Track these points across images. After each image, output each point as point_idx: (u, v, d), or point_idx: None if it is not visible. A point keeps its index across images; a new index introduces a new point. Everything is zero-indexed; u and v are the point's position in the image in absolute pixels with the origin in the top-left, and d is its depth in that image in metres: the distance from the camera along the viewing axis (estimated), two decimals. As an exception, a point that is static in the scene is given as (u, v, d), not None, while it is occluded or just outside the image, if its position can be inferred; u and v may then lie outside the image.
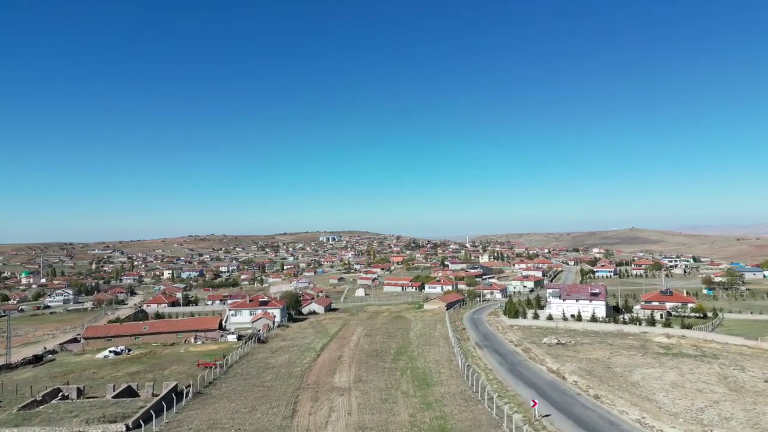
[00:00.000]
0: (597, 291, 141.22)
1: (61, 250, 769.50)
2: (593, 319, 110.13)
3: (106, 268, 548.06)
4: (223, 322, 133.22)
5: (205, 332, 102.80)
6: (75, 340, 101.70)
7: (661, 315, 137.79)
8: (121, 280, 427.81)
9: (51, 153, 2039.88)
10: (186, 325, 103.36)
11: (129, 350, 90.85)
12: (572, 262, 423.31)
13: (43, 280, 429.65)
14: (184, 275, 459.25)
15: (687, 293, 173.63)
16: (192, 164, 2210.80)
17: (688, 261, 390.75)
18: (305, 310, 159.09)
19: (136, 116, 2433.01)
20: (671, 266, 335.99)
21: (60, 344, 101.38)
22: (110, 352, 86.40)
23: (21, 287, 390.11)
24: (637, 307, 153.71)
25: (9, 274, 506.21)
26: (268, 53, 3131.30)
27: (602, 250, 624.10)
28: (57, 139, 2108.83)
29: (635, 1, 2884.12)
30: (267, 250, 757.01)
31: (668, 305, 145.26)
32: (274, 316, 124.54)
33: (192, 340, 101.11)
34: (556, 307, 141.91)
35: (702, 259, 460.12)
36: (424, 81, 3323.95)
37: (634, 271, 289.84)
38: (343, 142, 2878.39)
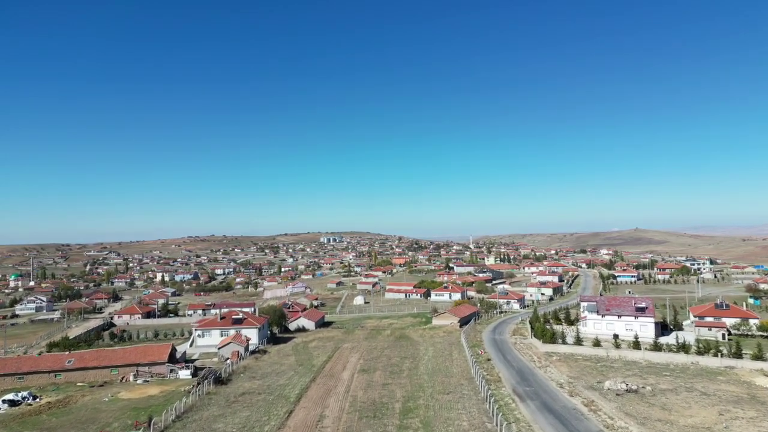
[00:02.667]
0: (643, 305, 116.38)
1: (57, 251, 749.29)
2: (656, 347, 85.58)
3: (100, 270, 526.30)
4: (189, 346, 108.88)
5: (150, 366, 78.51)
6: (-22, 378, 77.85)
7: (723, 335, 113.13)
8: (112, 283, 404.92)
9: (51, 153, 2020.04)
10: (125, 357, 79.12)
11: (36, 397, 66.65)
12: (585, 265, 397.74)
13: (32, 283, 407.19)
14: (178, 278, 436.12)
15: (735, 303, 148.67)
16: (194, 165, 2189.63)
17: (703, 262, 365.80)
18: (293, 325, 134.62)
19: (138, 116, 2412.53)
20: (697, 268, 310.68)
21: (-45, 384, 77.47)
22: (4, 402, 62.37)
23: (7, 291, 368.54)
24: (687, 323, 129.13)
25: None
26: (269, 53, 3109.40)
27: (610, 251, 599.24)
28: (58, 139, 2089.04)
29: (641, 2, 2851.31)
30: (266, 251, 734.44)
31: (727, 322, 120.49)
32: (248, 339, 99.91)
33: (131, 378, 76.77)
34: (593, 324, 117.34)
35: (717, 261, 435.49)
36: (425, 81, 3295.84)
37: (659, 276, 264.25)
38: (345, 142, 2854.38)
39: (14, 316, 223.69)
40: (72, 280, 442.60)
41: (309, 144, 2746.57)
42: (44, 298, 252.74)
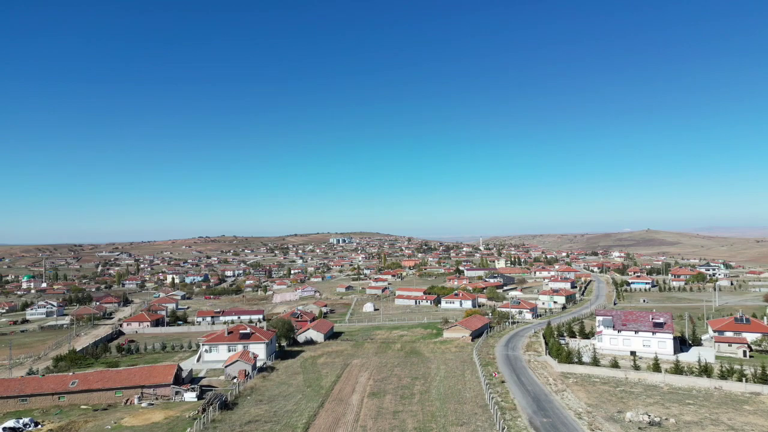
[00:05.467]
0: (661, 321, 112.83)
1: (69, 251, 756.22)
2: (677, 369, 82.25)
3: (111, 271, 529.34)
4: (197, 361, 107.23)
5: (155, 388, 76.71)
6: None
7: (744, 352, 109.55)
8: (123, 285, 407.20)
9: (63, 154, 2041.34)
10: (130, 378, 77.34)
11: (37, 423, 64.99)
12: (597, 269, 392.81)
13: (44, 285, 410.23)
14: (188, 280, 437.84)
15: (754, 316, 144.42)
16: (205, 165, 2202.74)
17: (717, 266, 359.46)
18: (301, 337, 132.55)
19: (149, 119, 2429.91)
20: (712, 274, 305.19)
21: (-43, 407, 76.07)
22: (5, 429, 60.75)
23: (19, 292, 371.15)
24: (706, 338, 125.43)
25: (12, 277, 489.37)
26: (278, 54, 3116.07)
27: (622, 254, 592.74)
28: (70, 140, 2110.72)
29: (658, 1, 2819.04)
30: (276, 252, 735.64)
31: (748, 337, 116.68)
32: (255, 357, 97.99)
33: (135, 400, 74.99)
34: (609, 339, 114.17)
35: (731, 264, 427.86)
36: (436, 82, 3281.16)
37: (674, 283, 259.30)
38: (355, 143, 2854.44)
39: (25, 321, 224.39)
40: (83, 281, 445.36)
41: (319, 144, 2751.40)
42: (54, 303, 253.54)
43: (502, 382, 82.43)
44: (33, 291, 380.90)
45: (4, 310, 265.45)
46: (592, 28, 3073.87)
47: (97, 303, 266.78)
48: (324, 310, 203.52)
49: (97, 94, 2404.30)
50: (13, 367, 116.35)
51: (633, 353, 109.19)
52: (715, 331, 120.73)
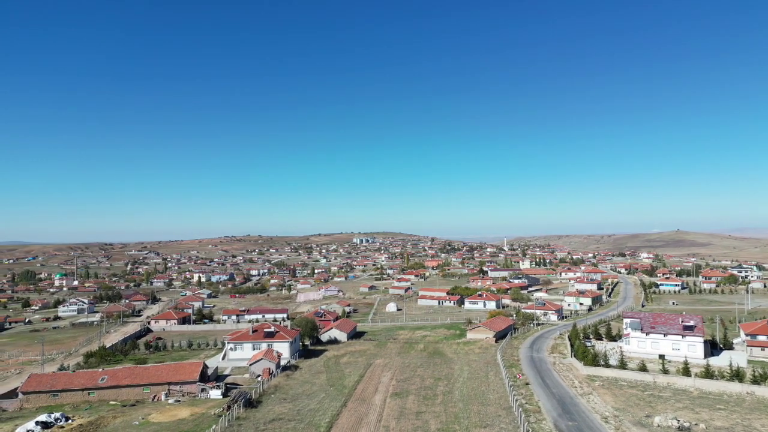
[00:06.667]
0: (691, 323, 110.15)
1: (100, 250, 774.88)
2: (708, 374, 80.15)
3: (140, 270, 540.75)
4: (222, 359, 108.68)
5: (181, 385, 78.07)
6: (15, 393, 78.70)
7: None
8: (151, 283, 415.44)
9: (96, 157, 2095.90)
10: (157, 375, 78.91)
11: (68, 418, 66.72)
12: (624, 270, 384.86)
13: (75, 283, 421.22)
14: (214, 278, 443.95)
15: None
16: (231, 164, 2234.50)
17: (750, 268, 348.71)
18: (324, 337, 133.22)
19: (178, 121, 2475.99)
20: (745, 276, 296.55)
21: (-7, 400, 78.59)
22: (37, 423, 62.52)
23: (52, 290, 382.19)
24: (738, 341, 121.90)
25: (45, 275, 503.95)
26: (301, 57, 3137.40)
27: (651, 255, 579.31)
28: (101, 147, 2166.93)
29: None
30: (300, 251, 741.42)
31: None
32: (279, 355, 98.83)
33: (162, 397, 76.41)
34: (637, 342, 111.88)
35: (764, 266, 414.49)
36: (465, 81, 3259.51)
37: (705, 285, 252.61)
38: (379, 143, 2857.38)
39: (57, 318, 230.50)
40: (113, 279, 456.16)
41: (343, 144, 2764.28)
42: (86, 300, 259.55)
43: (527, 384, 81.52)
44: (65, 288, 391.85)
45: (37, 307, 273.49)
46: (598, 24, 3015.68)
47: (126, 301, 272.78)
48: (347, 309, 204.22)
49: (128, 97, 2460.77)
50: (45, 363, 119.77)
51: (662, 356, 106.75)
52: (747, 335, 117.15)
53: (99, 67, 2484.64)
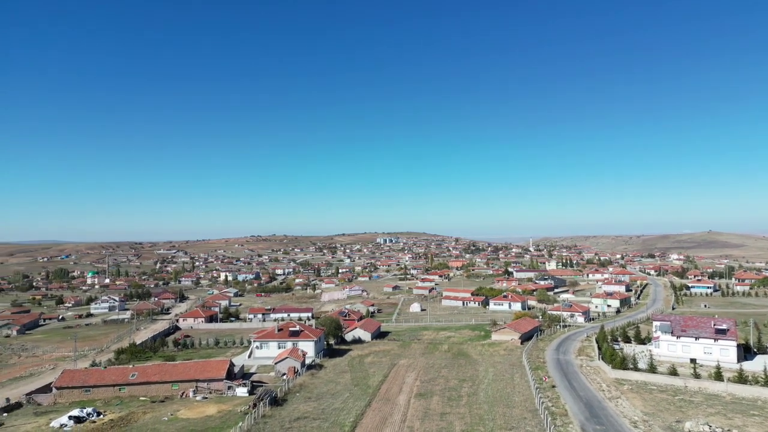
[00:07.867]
0: (724, 327, 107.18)
1: (130, 249, 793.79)
2: (741, 378, 78.04)
3: (169, 269, 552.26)
4: (248, 357, 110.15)
5: (209, 382, 79.46)
6: (49, 388, 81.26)
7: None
8: (179, 282, 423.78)
9: (127, 158, 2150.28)
10: (186, 372, 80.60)
11: (99, 413, 68.47)
12: (654, 272, 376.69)
13: (107, 281, 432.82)
14: (240, 277, 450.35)
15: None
16: (257, 164, 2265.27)
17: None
18: (349, 336, 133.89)
19: (203, 123, 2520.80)
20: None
21: (28, 394, 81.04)
22: (70, 418, 64.38)
23: (84, 288, 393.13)
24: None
25: (78, 273, 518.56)
26: (309, 56, 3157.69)
27: (682, 256, 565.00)
28: (131, 149, 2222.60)
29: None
30: (325, 251, 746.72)
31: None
32: (304, 354, 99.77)
33: (190, 394, 77.88)
34: (667, 346, 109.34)
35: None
36: (496, 79, 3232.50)
37: (738, 288, 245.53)
38: (405, 141, 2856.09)
39: (89, 315, 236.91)
40: (143, 278, 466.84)
41: (367, 144, 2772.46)
42: (117, 298, 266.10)
43: (553, 386, 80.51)
44: (97, 286, 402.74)
45: (70, 305, 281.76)
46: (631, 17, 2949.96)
47: (156, 299, 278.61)
48: (371, 309, 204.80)
49: (164, 99, 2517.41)
50: (78, 359, 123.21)
51: (693, 360, 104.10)
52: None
53: (133, 68, 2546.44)
